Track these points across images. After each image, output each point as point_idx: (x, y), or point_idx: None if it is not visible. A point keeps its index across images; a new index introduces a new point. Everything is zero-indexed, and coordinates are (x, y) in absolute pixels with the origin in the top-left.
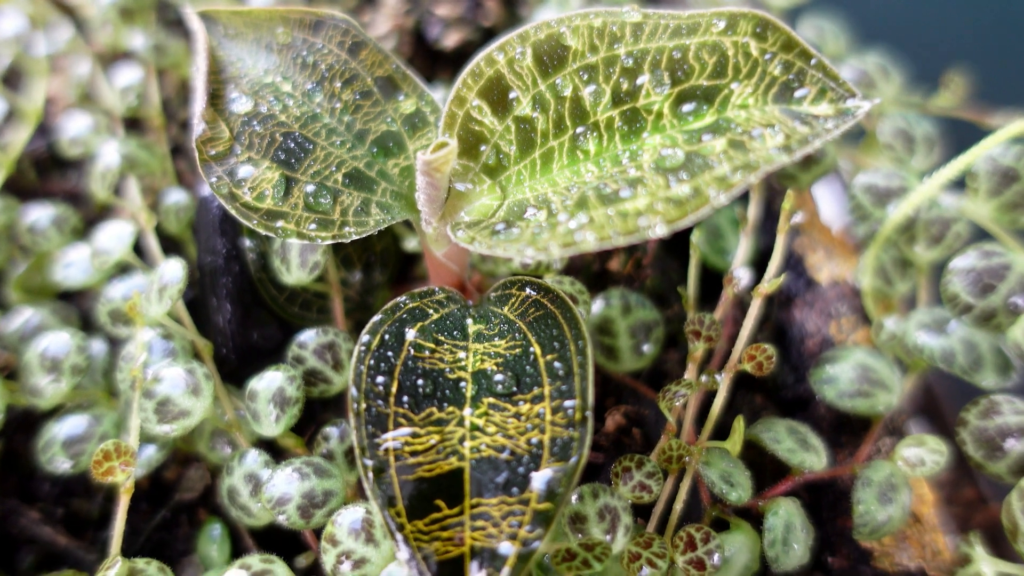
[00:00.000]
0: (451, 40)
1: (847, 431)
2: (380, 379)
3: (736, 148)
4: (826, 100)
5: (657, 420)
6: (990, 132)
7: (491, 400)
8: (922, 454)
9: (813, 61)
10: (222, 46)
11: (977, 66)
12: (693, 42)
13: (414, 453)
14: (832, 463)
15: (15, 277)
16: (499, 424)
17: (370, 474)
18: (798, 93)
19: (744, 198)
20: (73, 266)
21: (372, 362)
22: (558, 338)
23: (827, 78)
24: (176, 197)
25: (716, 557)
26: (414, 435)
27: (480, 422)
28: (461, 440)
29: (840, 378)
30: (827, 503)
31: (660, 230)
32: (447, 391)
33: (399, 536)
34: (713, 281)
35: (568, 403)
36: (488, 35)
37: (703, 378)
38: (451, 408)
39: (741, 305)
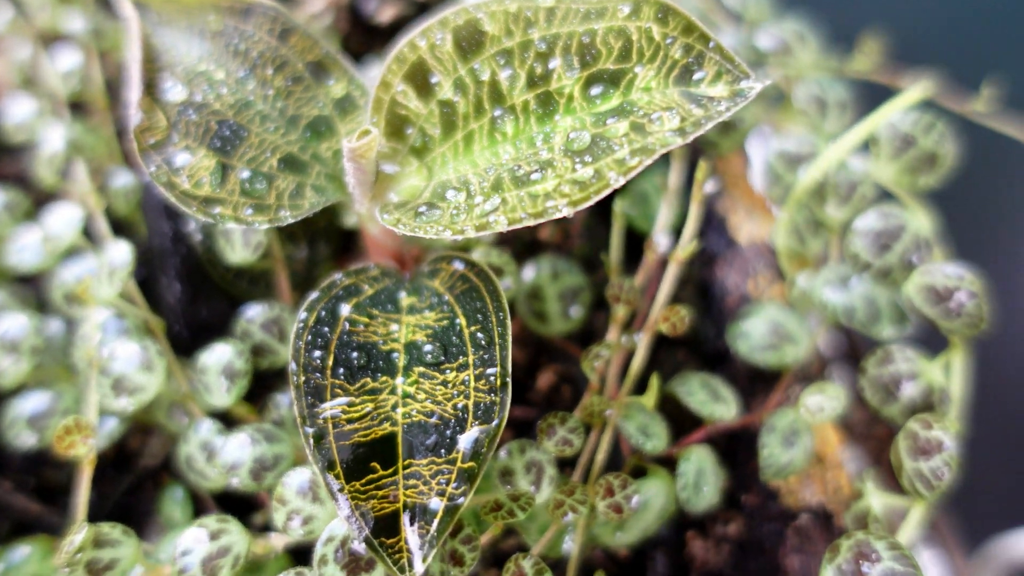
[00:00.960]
0: (386, 16)
1: (761, 382)
2: (317, 353)
3: (637, 131)
4: (722, 82)
5: (585, 377)
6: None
7: (421, 369)
8: (822, 401)
9: (711, 44)
10: (156, 33)
11: (892, 27)
12: (601, 27)
13: (350, 420)
14: (746, 411)
15: None
16: (428, 391)
17: (311, 441)
18: (697, 75)
19: (667, 164)
20: (26, 250)
21: (309, 338)
22: (481, 310)
23: (724, 60)
24: (124, 180)
25: (634, 501)
26: (350, 404)
27: (411, 390)
28: (394, 407)
29: (752, 333)
30: (742, 448)
31: (565, 211)
32: (380, 362)
33: (339, 496)
34: (640, 245)
35: (490, 371)
36: (422, 9)
37: (623, 339)
38: (384, 378)
39: (665, 267)
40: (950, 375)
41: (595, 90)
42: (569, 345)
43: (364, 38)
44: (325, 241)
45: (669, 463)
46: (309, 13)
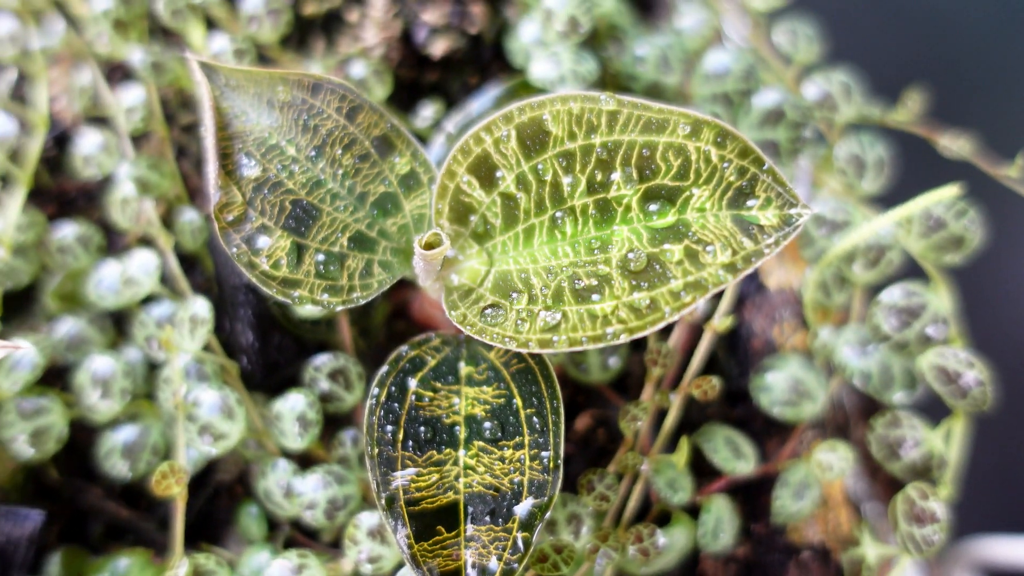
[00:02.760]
0: (438, 49)
1: (777, 424)
2: (389, 428)
3: (691, 260)
4: (772, 207)
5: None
6: (938, 153)
7: (481, 443)
8: (832, 460)
9: (765, 167)
10: (225, 96)
11: (935, 82)
12: (661, 141)
13: (418, 488)
14: (762, 453)
15: (51, 288)
16: (487, 465)
17: (384, 504)
18: (749, 201)
19: None
20: (103, 284)
21: (381, 413)
22: (536, 394)
23: (776, 184)
24: (189, 216)
25: (660, 544)
26: (418, 474)
27: (472, 462)
28: (456, 477)
29: (775, 387)
30: (755, 484)
31: (623, 338)
32: (444, 435)
33: (408, 554)
34: None
35: (544, 453)
36: (475, 42)
37: (657, 396)
38: (448, 450)
39: (700, 323)
40: (950, 443)
41: (652, 205)
42: (605, 389)
43: (415, 67)
44: None
45: (692, 508)
46: (364, 46)
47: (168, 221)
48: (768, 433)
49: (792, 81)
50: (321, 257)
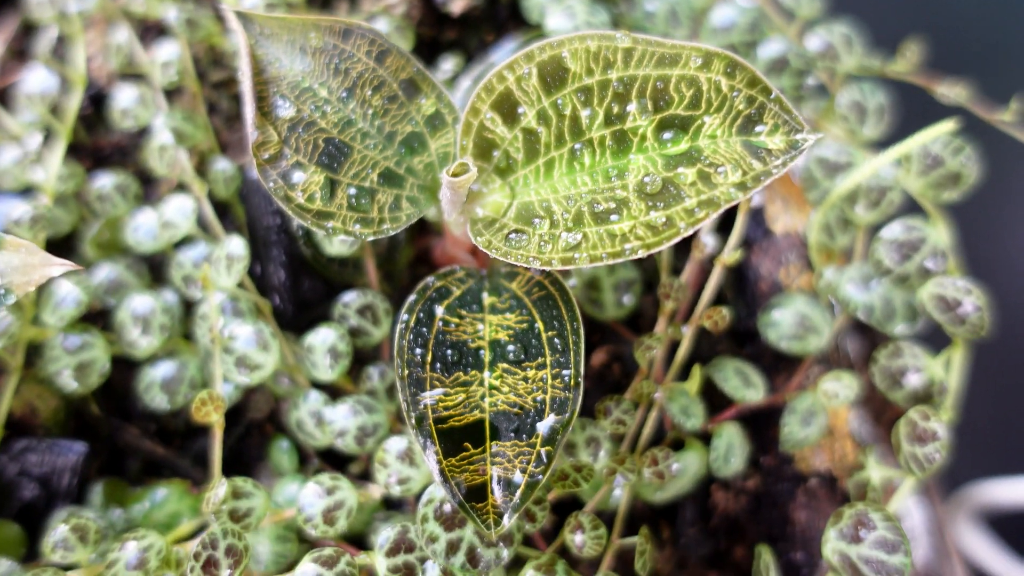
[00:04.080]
0: (457, 7)
1: (785, 359)
2: (418, 351)
3: (704, 181)
4: (780, 133)
5: (633, 356)
6: (936, 102)
7: (505, 366)
8: (838, 388)
9: (772, 96)
10: (260, 44)
11: (934, 33)
12: (674, 74)
13: (446, 408)
14: (771, 387)
15: (90, 236)
16: (511, 385)
17: (414, 423)
18: (758, 128)
19: None
20: (141, 230)
21: (411, 337)
22: (557, 318)
23: (783, 111)
24: (222, 165)
25: (674, 468)
26: (446, 394)
27: (496, 383)
28: (482, 397)
29: (781, 323)
30: (764, 416)
31: (641, 253)
32: (470, 358)
33: (437, 469)
34: (687, 241)
35: (565, 372)
36: (491, 1)
37: (670, 329)
38: (474, 372)
39: (710, 260)
40: (950, 370)
41: (666, 134)
42: (619, 327)
43: (435, 25)
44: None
45: (704, 436)
46: (385, 3)
47: (201, 171)
48: (776, 369)
49: (795, 35)
50: (353, 191)
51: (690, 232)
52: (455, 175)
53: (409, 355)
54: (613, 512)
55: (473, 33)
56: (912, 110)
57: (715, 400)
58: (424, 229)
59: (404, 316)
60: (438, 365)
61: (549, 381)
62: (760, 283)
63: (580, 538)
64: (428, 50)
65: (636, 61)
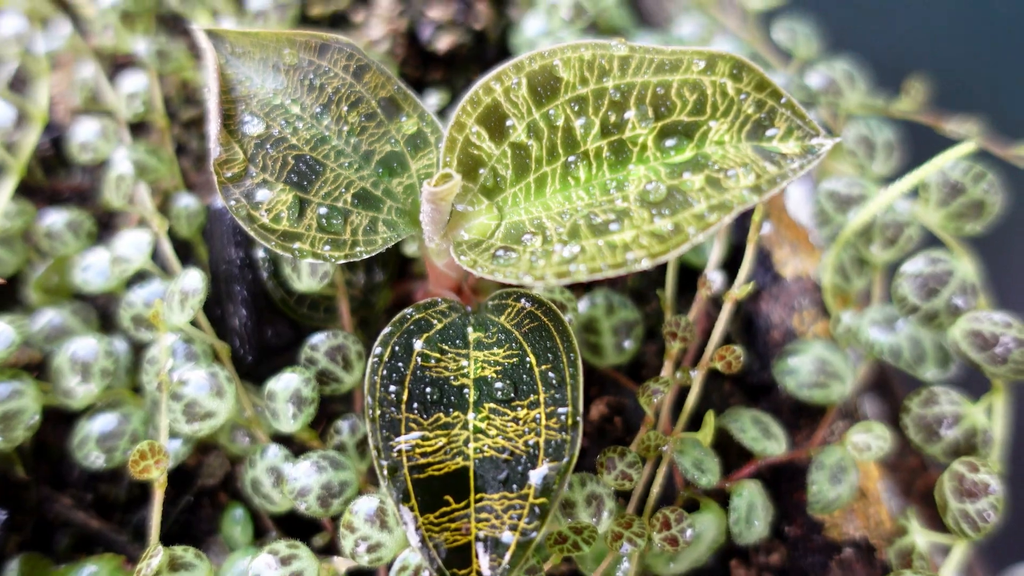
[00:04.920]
0: (443, 43)
1: (805, 414)
2: (392, 388)
3: (713, 186)
4: (793, 138)
5: (637, 407)
6: (945, 137)
7: (492, 405)
8: (869, 440)
9: (783, 100)
10: (230, 64)
11: (936, 71)
12: (675, 79)
13: (424, 454)
14: (791, 444)
15: (35, 279)
16: (499, 427)
17: (386, 473)
18: (769, 132)
19: None
20: (91, 269)
21: (385, 372)
22: (551, 350)
23: (795, 116)
24: (186, 201)
25: (688, 534)
26: (424, 438)
27: (482, 425)
28: (466, 442)
29: (800, 370)
30: (786, 478)
31: (645, 263)
32: (452, 397)
33: (413, 528)
34: (691, 277)
35: (561, 409)
36: (479, 38)
37: (678, 374)
38: (456, 413)
39: (715, 301)
40: (992, 418)
41: (669, 141)
42: (620, 376)
43: (420, 63)
44: (382, 268)
45: (720, 495)
46: (369, 39)
47: (165, 210)
48: (796, 425)
49: (794, 74)
50: (324, 211)
51: (700, 238)
52: (437, 185)
53: (382, 392)
54: None
55: (460, 73)
56: (921, 148)
57: (730, 457)
58: (405, 273)
59: (377, 350)
60: (415, 405)
61: (543, 421)
62: (772, 331)
63: None
64: (414, 89)
65: (634, 68)
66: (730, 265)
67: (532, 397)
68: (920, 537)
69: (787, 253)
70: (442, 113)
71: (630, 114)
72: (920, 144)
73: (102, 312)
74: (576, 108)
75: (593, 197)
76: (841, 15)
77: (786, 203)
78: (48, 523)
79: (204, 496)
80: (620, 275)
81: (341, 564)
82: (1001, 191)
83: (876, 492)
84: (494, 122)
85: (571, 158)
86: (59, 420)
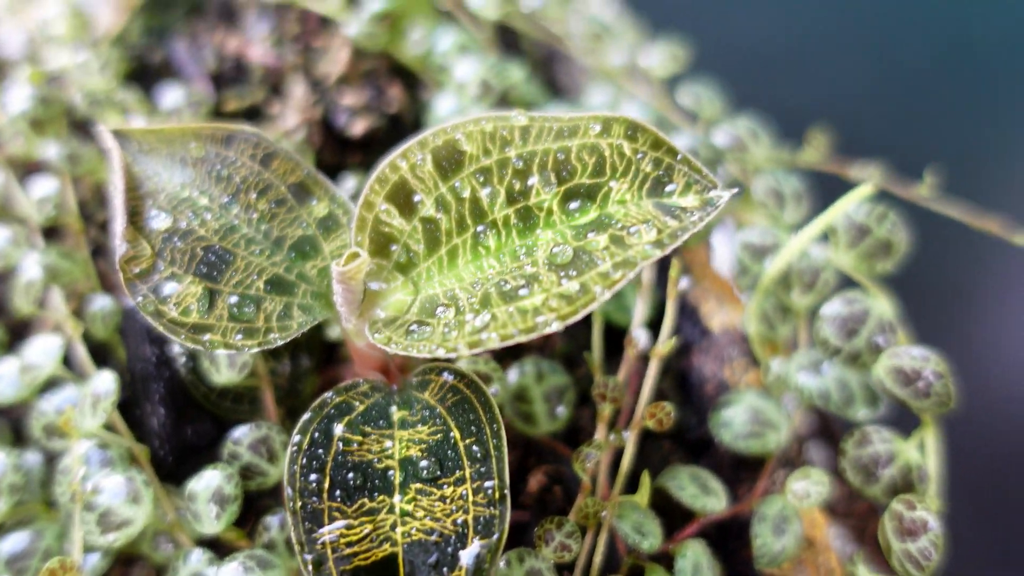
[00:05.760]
0: (358, 128)
1: (746, 467)
2: (313, 476)
3: (617, 244)
4: (692, 192)
5: (575, 476)
6: (850, 183)
7: (418, 486)
8: (808, 487)
9: (679, 157)
10: (137, 161)
11: (838, 122)
12: (575, 144)
13: (349, 544)
14: (733, 499)
15: None
16: (427, 508)
17: (310, 567)
18: (668, 187)
19: None
20: (2, 380)
21: (304, 461)
22: (475, 422)
23: (692, 172)
24: (101, 303)
25: None
26: (348, 527)
27: (409, 507)
28: (393, 526)
29: (734, 421)
30: (733, 536)
31: (555, 325)
32: (376, 480)
33: None
34: (620, 337)
35: (488, 483)
36: (393, 121)
37: (611, 437)
38: (381, 497)
39: (645, 359)
40: (925, 453)
41: (573, 204)
42: (557, 444)
43: (337, 149)
44: (307, 354)
45: (665, 559)
46: (283, 129)
47: (80, 313)
48: (738, 479)
49: (701, 134)
50: (235, 299)
51: (607, 296)
52: (345, 264)
53: (302, 482)
54: None
55: (378, 155)
56: (829, 196)
57: (674, 518)
58: (333, 358)
59: (296, 438)
60: (338, 492)
61: (470, 497)
62: (706, 386)
63: None
64: (332, 175)
65: (535, 136)
66: (657, 323)
67: (458, 473)
68: None
69: (713, 306)
70: (357, 195)
71: (533, 180)
72: (828, 192)
73: (15, 424)
74: (481, 179)
75: (504, 265)
76: (743, 74)
77: (710, 258)
78: None
79: None
80: (534, 339)
81: None
82: (905, 230)
83: (824, 540)
84: (403, 199)
85: (480, 228)
86: None
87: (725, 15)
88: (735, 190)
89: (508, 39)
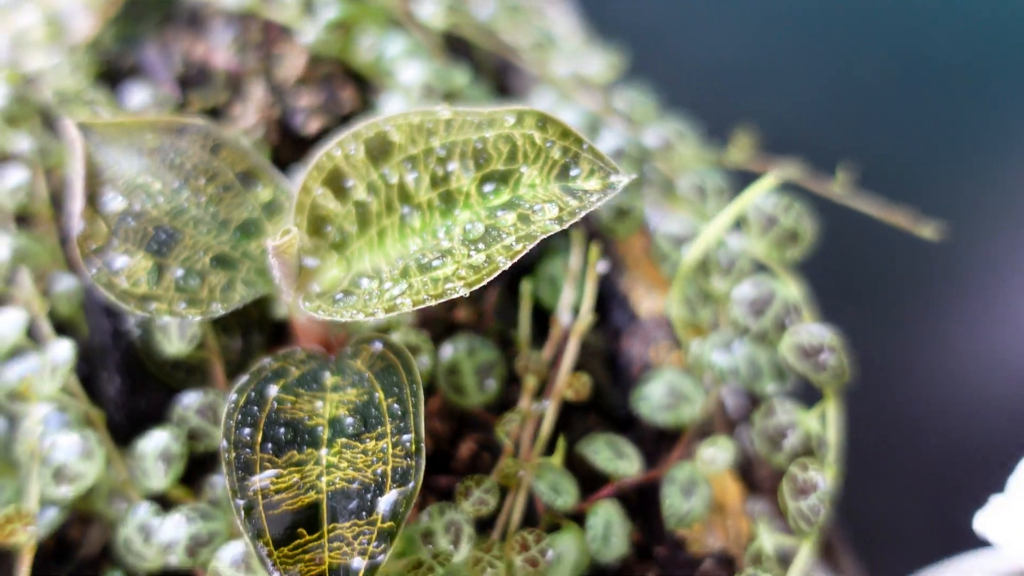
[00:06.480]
0: (313, 127)
1: (667, 441)
2: (247, 431)
3: (523, 221)
4: (595, 177)
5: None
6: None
7: (344, 441)
8: (715, 453)
9: (585, 146)
10: (99, 151)
11: (763, 122)
12: (492, 135)
13: (279, 491)
14: (652, 468)
15: None
16: (350, 460)
17: (242, 512)
18: (573, 172)
19: (570, 248)
20: None
21: (239, 417)
22: (397, 384)
23: (596, 158)
24: (67, 283)
25: (548, 554)
26: (278, 476)
27: (334, 460)
28: (319, 476)
29: (652, 395)
30: (652, 504)
31: (462, 291)
32: (306, 435)
33: (268, 562)
34: (549, 322)
35: (405, 437)
36: (346, 121)
37: (534, 406)
38: (310, 450)
39: (567, 338)
40: (826, 423)
41: (488, 187)
42: (487, 415)
43: (294, 149)
44: (258, 332)
45: (581, 517)
46: (242, 127)
47: (47, 292)
48: (659, 451)
49: (633, 135)
50: (180, 272)
51: (507, 264)
52: (279, 239)
53: (236, 436)
54: None
55: None
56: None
57: (593, 483)
58: (283, 337)
59: (233, 396)
60: (269, 445)
61: (389, 451)
62: (632, 367)
63: None
64: (287, 170)
65: (457, 128)
66: (594, 309)
67: (380, 429)
68: (768, 539)
69: (643, 294)
70: None
71: (454, 167)
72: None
73: None
74: (408, 166)
75: (426, 242)
76: (675, 78)
77: (646, 249)
78: None
79: (86, 568)
80: (469, 319)
81: None
82: (811, 219)
83: (736, 506)
84: (337, 184)
85: (406, 210)
86: None
87: (681, 26)
88: (632, 176)
89: (461, 49)
